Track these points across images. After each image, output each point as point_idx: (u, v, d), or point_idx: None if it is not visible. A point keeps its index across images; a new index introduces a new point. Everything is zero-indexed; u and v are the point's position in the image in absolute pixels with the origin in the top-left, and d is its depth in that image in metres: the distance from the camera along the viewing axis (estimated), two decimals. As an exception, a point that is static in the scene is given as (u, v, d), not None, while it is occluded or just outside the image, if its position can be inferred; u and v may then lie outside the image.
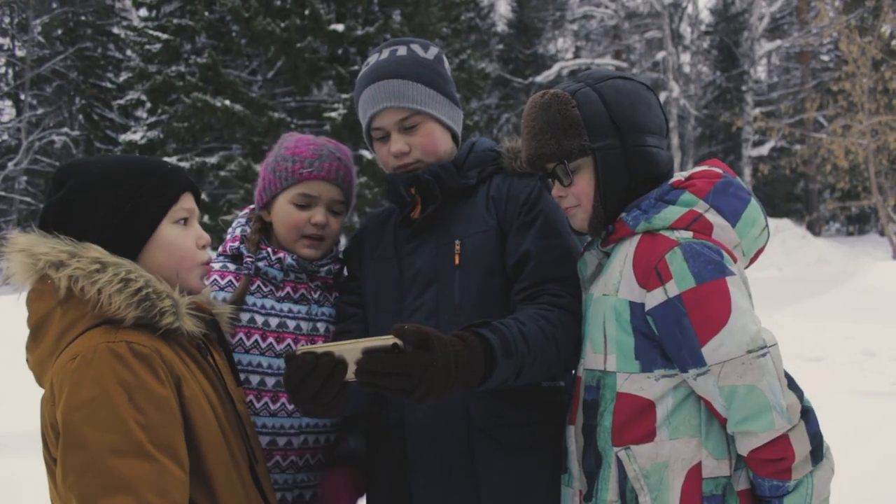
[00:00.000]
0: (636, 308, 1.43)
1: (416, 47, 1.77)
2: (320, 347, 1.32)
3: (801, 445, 1.35)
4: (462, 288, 1.66)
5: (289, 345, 1.83)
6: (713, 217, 1.43)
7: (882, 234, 21.65)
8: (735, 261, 1.43)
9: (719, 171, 1.51)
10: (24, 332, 1.36)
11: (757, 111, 20.55)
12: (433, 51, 1.79)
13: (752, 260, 1.56)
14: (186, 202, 1.46)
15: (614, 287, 1.47)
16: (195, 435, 1.29)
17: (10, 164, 20.15)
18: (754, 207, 1.47)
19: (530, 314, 1.52)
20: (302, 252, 1.86)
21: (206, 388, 1.38)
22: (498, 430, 1.62)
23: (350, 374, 1.31)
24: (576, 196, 1.53)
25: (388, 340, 1.29)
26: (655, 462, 1.40)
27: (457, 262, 1.67)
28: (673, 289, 1.37)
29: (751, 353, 1.34)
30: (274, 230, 1.89)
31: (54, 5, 23.12)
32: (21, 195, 20.99)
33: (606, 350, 1.47)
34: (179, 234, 1.43)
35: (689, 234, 1.41)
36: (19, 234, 1.34)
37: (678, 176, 1.53)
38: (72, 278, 1.28)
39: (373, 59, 1.78)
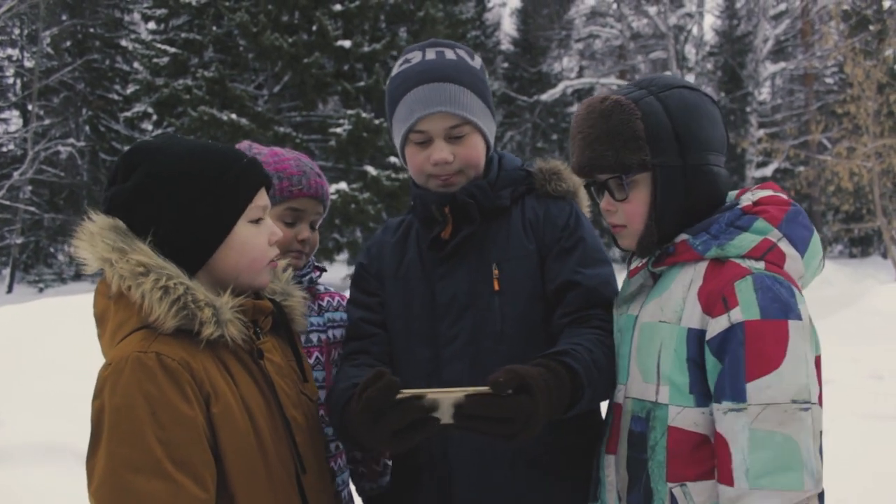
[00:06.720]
0: (695, 335, 1.34)
1: (462, 53, 1.66)
2: (427, 393, 1.24)
3: None
4: (503, 315, 1.58)
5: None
6: (786, 247, 1.35)
7: (885, 256, 21.58)
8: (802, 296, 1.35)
9: (785, 196, 1.42)
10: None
11: (761, 132, 20.57)
12: (478, 60, 1.70)
13: None
14: (262, 199, 1.38)
15: (676, 315, 1.37)
16: (222, 454, 1.25)
17: (16, 174, 20.23)
18: (816, 237, 1.40)
19: (592, 339, 1.46)
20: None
21: (250, 396, 1.32)
22: (542, 456, 1.56)
23: (446, 419, 1.25)
24: (626, 213, 1.44)
25: (487, 390, 1.24)
26: (716, 500, 1.32)
27: (496, 287, 1.59)
28: (737, 315, 1.28)
29: (795, 404, 1.25)
30: None
31: (63, 17, 23.34)
32: (26, 204, 21.05)
33: (659, 381, 1.38)
34: (254, 234, 1.36)
35: (761, 265, 1.32)
36: (91, 220, 1.29)
37: (746, 200, 1.43)
38: (122, 278, 1.24)
39: (415, 57, 1.65)
